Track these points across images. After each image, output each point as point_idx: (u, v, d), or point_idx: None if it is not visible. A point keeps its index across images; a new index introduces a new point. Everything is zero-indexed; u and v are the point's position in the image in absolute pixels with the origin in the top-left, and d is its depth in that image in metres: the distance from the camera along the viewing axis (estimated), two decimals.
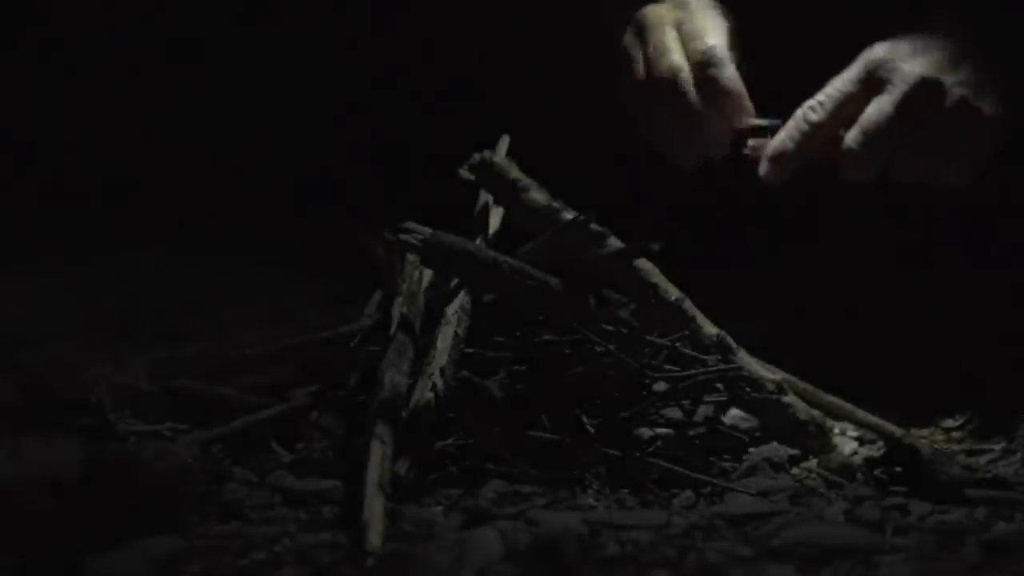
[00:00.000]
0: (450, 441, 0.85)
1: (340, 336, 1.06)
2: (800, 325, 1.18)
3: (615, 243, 0.96)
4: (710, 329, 0.95)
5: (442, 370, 0.85)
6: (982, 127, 0.96)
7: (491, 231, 1.05)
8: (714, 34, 1.02)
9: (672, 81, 1.01)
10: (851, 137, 0.96)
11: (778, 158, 0.98)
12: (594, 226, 0.94)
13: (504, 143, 1.08)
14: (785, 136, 0.98)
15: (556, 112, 1.33)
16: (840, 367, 1.05)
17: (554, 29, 1.36)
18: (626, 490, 0.85)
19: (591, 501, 0.82)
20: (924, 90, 0.94)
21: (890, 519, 0.76)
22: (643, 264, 0.97)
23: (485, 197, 1.06)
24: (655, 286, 0.96)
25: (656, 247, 0.94)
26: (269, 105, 1.82)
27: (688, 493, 0.84)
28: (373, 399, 0.83)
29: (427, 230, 0.92)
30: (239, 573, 0.70)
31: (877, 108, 0.95)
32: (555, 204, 0.99)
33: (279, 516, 0.81)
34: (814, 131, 0.97)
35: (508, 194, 1.02)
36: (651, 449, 0.89)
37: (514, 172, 1.03)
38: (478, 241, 1.01)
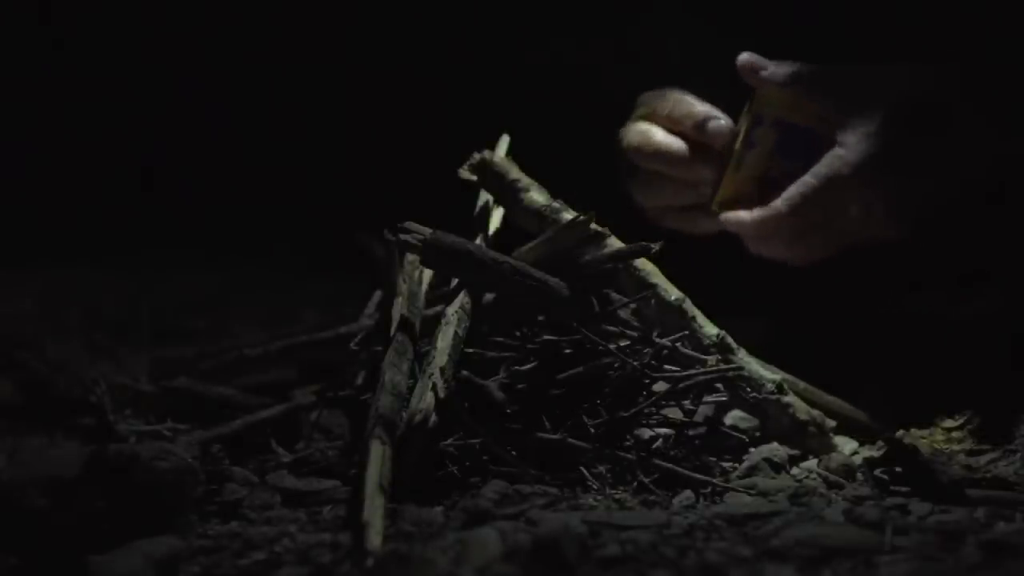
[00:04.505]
0: (450, 441, 0.85)
1: (340, 336, 1.06)
2: (800, 325, 1.18)
3: (615, 243, 0.96)
4: (710, 329, 0.95)
5: (442, 370, 0.85)
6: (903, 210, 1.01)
7: (491, 231, 1.05)
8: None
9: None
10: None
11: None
12: (594, 226, 0.94)
13: (504, 143, 1.08)
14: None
15: (556, 112, 1.33)
16: (840, 367, 1.05)
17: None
18: (626, 490, 0.85)
19: (591, 501, 0.82)
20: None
21: (890, 519, 0.75)
22: (643, 264, 0.97)
23: (485, 197, 1.06)
24: (655, 286, 0.96)
25: (656, 247, 0.94)
26: (269, 105, 1.82)
27: (688, 493, 0.84)
28: (373, 399, 0.83)
29: (427, 230, 0.92)
30: (239, 573, 0.70)
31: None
32: (555, 204, 0.99)
33: (279, 516, 0.81)
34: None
35: (508, 194, 1.02)
36: (651, 449, 0.90)
37: (514, 172, 1.03)
38: (478, 241, 1.01)
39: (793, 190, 1.02)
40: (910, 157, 0.99)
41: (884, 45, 1.04)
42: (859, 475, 0.89)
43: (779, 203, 1.03)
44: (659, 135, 1.09)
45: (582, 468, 0.86)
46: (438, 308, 0.95)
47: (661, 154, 1.09)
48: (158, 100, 1.87)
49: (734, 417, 0.98)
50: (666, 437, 0.91)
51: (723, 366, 0.93)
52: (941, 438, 0.98)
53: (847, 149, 1.00)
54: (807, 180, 1.01)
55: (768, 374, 0.95)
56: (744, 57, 1.04)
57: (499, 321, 0.95)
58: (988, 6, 1.04)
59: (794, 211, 1.02)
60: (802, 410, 0.94)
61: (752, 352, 0.96)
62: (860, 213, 1.01)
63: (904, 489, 0.84)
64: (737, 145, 1.07)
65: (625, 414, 0.89)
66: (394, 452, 0.77)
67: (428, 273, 1.01)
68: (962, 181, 1.01)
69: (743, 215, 1.06)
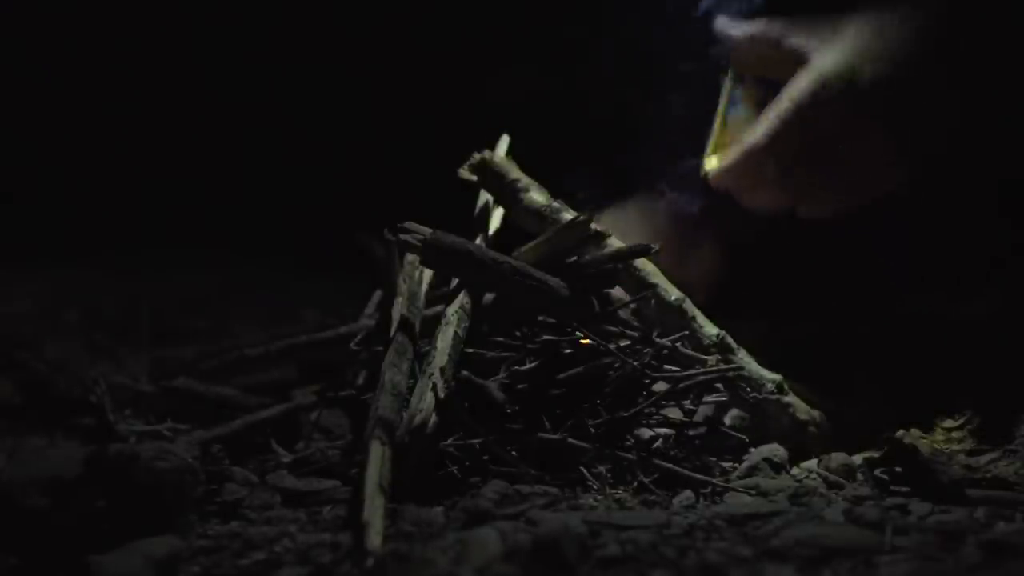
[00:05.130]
0: (450, 441, 0.85)
1: (340, 336, 1.06)
2: (800, 325, 1.19)
3: (615, 243, 0.96)
4: (710, 329, 0.95)
5: (442, 370, 0.85)
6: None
7: (491, 231, 1.05)
8: None
9: None
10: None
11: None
12: (594, 226, 0.94)
13: (504, 143, 1.08)
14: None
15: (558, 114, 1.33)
16: (840, 367, 1.05)
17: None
18: (626, 490, 0.85)
19: (591, 501, 0.82)
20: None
21: (890, 519, 0.75)
22: (643, 264, 0.97)
23: (485, 197, 1.06)
24: (655, 286, 0.96)
25: (656, 247, 0.94)
26: (269, 106, 1.82)
27: (688, 493, 0.84)
28: (373, 399, 0.83)
29: (427, 230, 0.92)
30: (239, 573, 0.70)
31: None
32: (555, 204, 0.99)
33: (279, 516, 0.81)
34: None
35: (508, 194, 1.02)
36: (651, 449, 0.90)
37: (514, 172, 1.03)
38: (478, 241, 1.01)
39: (767, 112, 0.98)
40: (886, 68, 0.94)
41: None
42: (859, 475, 0.89)
43: (755, 128, 0.99)
44: None
45: (582, 468, 0.86)
46: (438, 308, 0.95)
47: None
48: (158, 100, 1.87)
49: (734, 417, 0.98)
50: (666, 437, 0.92)
51: (723, 366, 0.93)
52: (941, 438, 0.98)
53: (818, 59, 0.96)
54: (778, 99, 0.97)
55: (768, 374, 0.95)
56: (717, 22, 1.08)
57: (499, 321, 0.95)
58: None
59: (773, 135, 0.97)
60: (802, 410, 0.94)
61: (752, 352, 0.96)
62: (849, 136, 0.96)
63: (904, 489, 0.85)
64: (720, 106, 1.08)
65: (625, 414, 0.89)
66: (394, 452, 0.78)
67: (428, 273, 1.01)
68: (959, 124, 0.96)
69: (725, 159, 1.01)
